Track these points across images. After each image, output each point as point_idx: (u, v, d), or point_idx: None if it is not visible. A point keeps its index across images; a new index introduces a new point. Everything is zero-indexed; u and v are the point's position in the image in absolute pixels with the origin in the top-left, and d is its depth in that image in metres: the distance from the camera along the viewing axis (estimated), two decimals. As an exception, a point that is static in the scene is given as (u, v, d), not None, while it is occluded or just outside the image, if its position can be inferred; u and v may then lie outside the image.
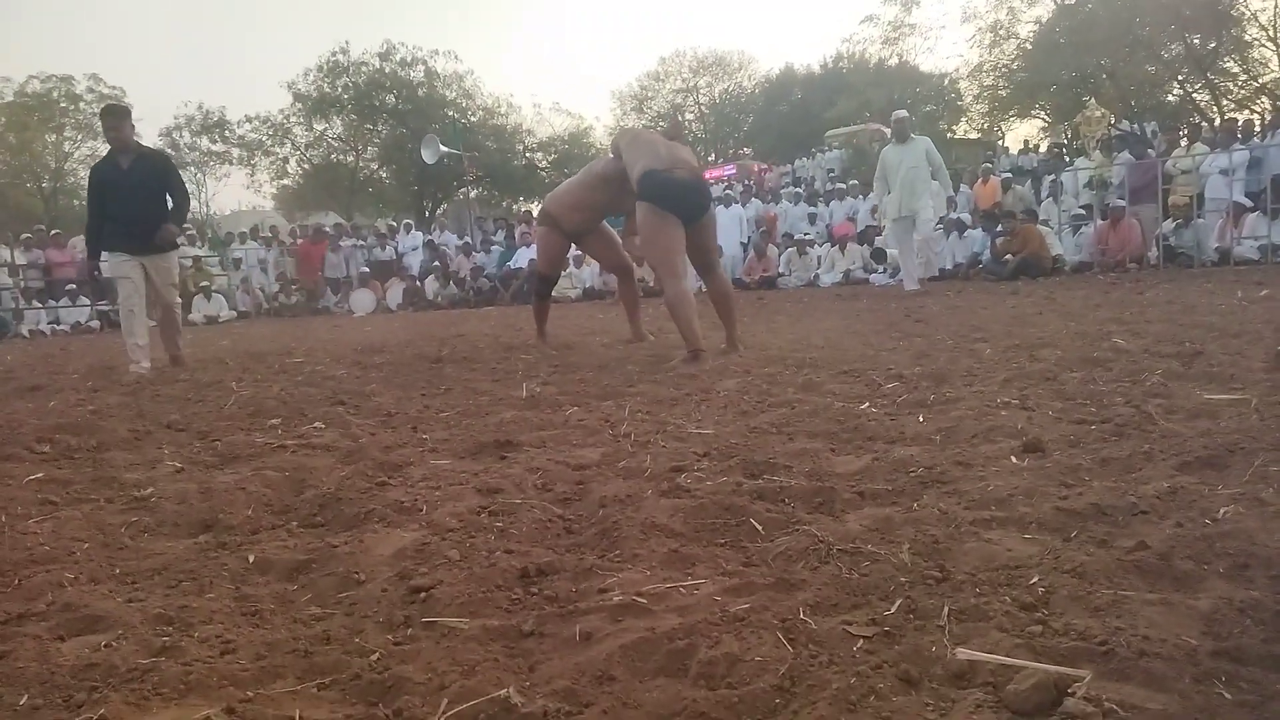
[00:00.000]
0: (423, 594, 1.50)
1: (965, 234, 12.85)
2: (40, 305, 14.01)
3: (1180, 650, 1.13)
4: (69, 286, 14.61)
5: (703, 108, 38.59)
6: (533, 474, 2.30)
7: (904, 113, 9.85)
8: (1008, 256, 11.47)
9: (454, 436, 2.90)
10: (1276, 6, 20.19)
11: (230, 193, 77.43)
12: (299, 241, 18.10)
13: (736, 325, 5.03)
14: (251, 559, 1.75)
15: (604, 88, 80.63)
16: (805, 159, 26.05)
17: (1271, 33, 20.68)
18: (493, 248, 16.88)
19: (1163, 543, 1.51)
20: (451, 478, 2.31)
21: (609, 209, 5.68)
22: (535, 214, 6.69)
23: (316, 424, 3.27)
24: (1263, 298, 6.09)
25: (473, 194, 26.64)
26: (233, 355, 6.75)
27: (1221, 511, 1.65)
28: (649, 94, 38.32)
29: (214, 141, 30.52)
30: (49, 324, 13.69)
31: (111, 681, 1.22)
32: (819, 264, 13.89)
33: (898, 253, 10.38)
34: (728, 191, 17.42)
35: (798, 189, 18.51)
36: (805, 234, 14.78)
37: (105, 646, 1.34)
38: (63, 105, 27.63)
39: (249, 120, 29.79)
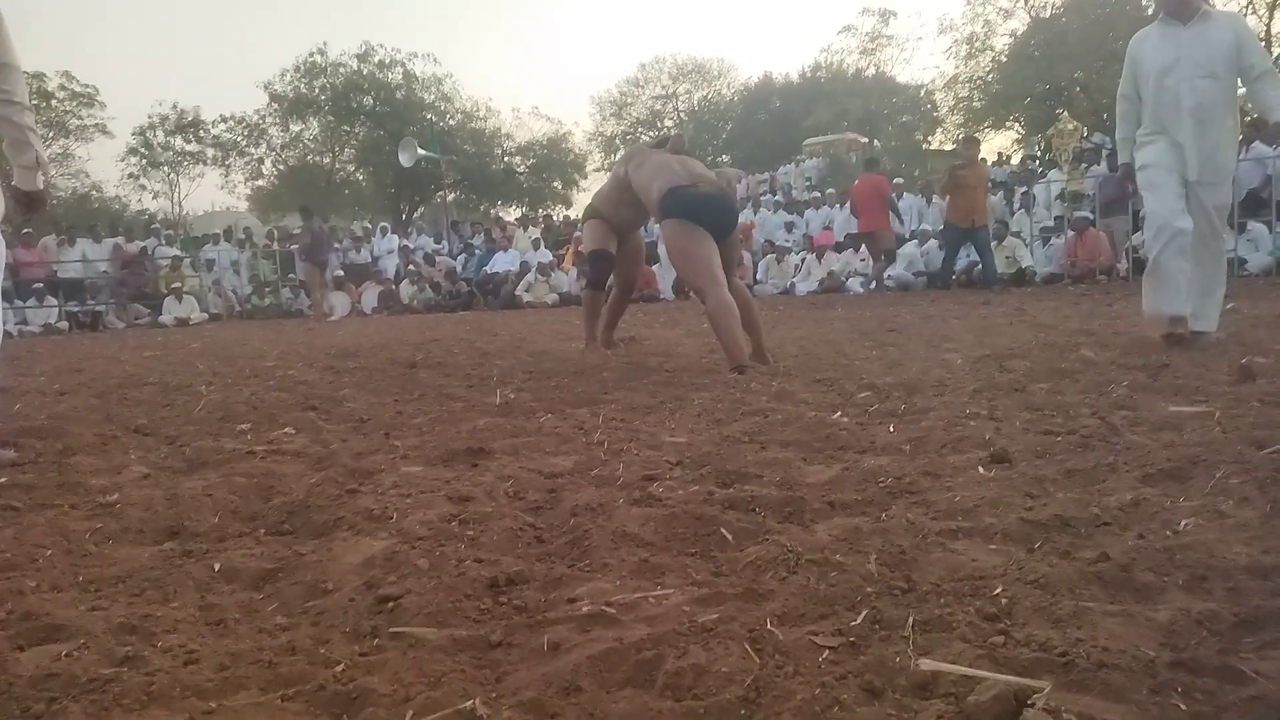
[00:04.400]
0: (390, 604, 1.49)
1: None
2: (7, 305, 13.76)
3: (1138, 661, 1.15)
4: (36, 286, 14.41)
5: (682, 114, 38.72)
6: (504, 482, 2.30)
7: None
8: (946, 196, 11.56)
9: (426, 443, 2.88)
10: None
11: (203, 193, 76.74)
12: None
13: (762, 335, 4.70)
14: (217, 567, 1.73)
15: (583, 93, 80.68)
16: (790, 165, 26.17)
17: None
18: (474, 251, 16.83)
19: (1124, 554, 1.53)
20: (423, 485, 2.30)
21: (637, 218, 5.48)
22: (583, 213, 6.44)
23: (287, 429, 3.24)
24: (1228, 310, 6.19)
25: (450, 198, 26.55)
26: (203, 358, 6.68)
27: (1183, 524, 1.68)
28: (628, 100, 38.43)
29: (188, 141, 30.37)
30: (16, 325, 13.46)
31: (71, 692, 1.21)
32: (795, 272, 14.00)
33: (1167, 254, 4.19)
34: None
35: (776, 196, 18.63)
36: (783, 241, 14.89)
37: (66, 656, 1.32)
38: (34, 103, 27.30)
39: (224, 120, 29.65)
